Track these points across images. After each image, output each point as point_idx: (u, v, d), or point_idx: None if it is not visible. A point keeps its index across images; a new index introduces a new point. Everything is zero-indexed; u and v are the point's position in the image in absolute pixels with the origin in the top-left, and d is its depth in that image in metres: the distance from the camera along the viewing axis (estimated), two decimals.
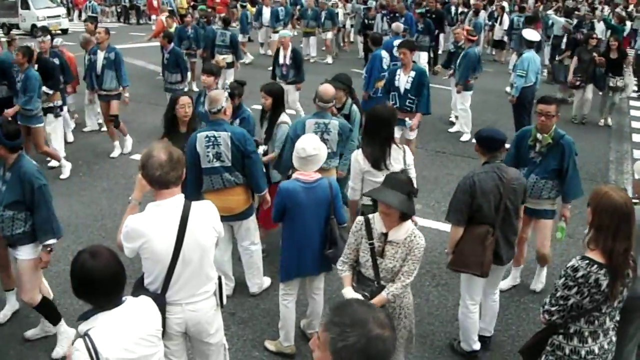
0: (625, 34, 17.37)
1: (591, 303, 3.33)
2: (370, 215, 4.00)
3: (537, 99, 5.70)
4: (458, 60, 10.84)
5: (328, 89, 5.76)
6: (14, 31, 20.88)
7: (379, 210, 3.88)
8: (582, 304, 3.34)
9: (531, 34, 10.58)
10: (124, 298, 2.87)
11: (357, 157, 4.98)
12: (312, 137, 4.67)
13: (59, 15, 26.66)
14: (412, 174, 5.06)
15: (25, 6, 26.11)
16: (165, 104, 6.72)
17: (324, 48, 19.12)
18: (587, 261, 3.30)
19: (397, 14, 16.16)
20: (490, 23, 19.38)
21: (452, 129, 11.37)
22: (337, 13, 19.13)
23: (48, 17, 25.81)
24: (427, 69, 11.27)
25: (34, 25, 25.21)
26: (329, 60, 18.64)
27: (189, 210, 3.43)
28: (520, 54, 11.64)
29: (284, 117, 6.25)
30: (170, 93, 10.46)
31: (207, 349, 3.81)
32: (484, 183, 4.52)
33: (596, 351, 3.46)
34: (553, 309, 3.43)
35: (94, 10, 25.71)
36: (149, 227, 3.37)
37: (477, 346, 5.00)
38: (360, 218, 4.04)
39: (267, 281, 5.95)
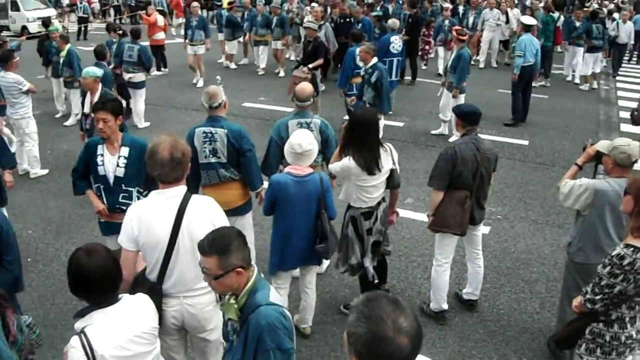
0: (557, 24, 15.14)
1: (635, 289, 3.45)
2: None
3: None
4: (450, 63, 10.10)
5: (305, 87, 5.69)
6: (4, 33, 20.87)
7: None
8: (626, 291, 3.46)
9: (528, 19, 11.85)
10: (120, 296, 2.91)
11: (349, 164, 4.86)
12: (305, 132, 4.72)
13: (49, 17, 26.56)
14: (398, 170, 5.14)
15: (15, 8, 26.04)
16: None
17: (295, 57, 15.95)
18: (632, 248, 3.41)
19: (350, 19, 14.20)
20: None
21: (437, 131, 10.75)
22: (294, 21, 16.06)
23: (38, 18, 25.73)
24: None
25: (24, 27, 25.20)
26: (281, 72, 15.70)
27: (188, 202, 3.49)
28: None
29: None
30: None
31: (205, 345, 3.84)
32: (464, 152, 4.97)
33: (634, 335, 3.61)
34: (597, 297, 3.54)
35: (85, 10, 25.56)
36: (148, 211, 3.47)
37: (445, 305, 5.41)
38: None
39: None
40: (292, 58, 16.64)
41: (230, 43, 16.26)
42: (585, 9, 16.42)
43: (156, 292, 3.47)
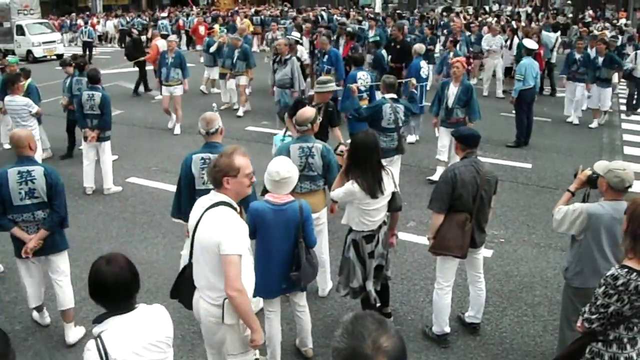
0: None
1: (631, 310, 3.44)
2: None
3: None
4: (455, 99, 9.06)
5: (305, 111, 5.72)
6: (9, 57, 21.00)
7: None
8: (622, 311, 3.45)
9: (530, 43, 12.03)
10: (137, 305, 3.03)
11: (353, 189, 4.87)
12: (284, 160, 4.66)
13: (54, 41, 26.96)
14: (399, 192, 5.19)
15: (21, 32, 26.43)
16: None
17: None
18: (627, 269, 3.42)
19: (321, 50, 13.21)
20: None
21: (433, 177, 9.58)
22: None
23: (43, 42, 26.12)
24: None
25: (29, 51, 25.55)
26: (240, 111, 14.13)
27: (210, 209, 3.75)
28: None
29: None
30: None
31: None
32: (464, 175, 5.00)
33: (634, 357, 3.58)
34: (593, 317, 3.53)
35: (90, 35, 25.89)
36: (199, 202, 3.90)
37: (447, 329, 5.41)
38: None
39: (261, 301, 5.97)
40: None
41: (210, 69, 15.92)
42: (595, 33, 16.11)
43: (186, 274, 3.95)
